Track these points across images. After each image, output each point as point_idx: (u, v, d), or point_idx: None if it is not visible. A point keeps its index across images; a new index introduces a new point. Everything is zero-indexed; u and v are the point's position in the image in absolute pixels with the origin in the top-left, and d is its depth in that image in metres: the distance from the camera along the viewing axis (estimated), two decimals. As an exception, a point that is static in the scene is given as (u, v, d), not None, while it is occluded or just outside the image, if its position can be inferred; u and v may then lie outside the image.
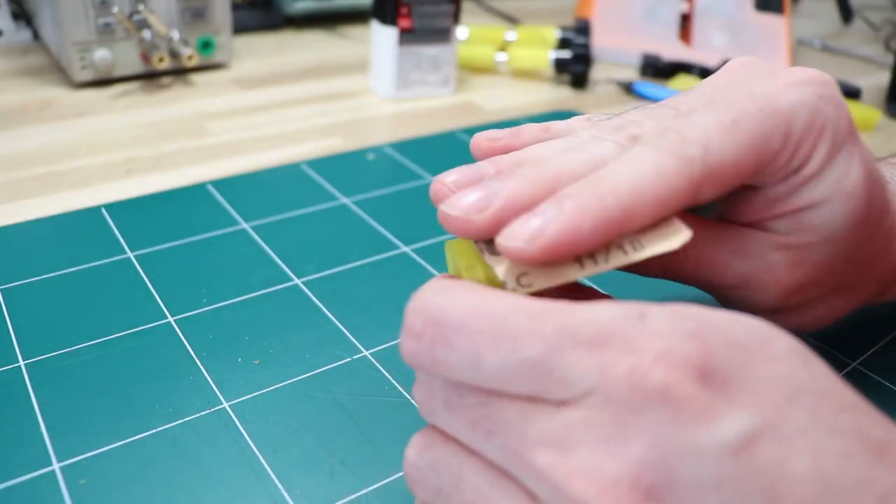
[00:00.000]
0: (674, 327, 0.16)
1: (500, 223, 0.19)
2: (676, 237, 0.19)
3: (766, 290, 0.24)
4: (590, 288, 0.23)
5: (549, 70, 0.62)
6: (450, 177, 0.21)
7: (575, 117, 0.24)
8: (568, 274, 0.19)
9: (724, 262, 0.24)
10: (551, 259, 0.19)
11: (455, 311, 0.18)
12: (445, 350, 0.18)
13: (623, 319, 0.16)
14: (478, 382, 0.18)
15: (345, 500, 0.23)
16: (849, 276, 0.25)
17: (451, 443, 0.19)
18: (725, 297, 0.25)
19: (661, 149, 0.20)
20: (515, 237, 0.18)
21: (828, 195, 0.22)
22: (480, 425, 0.18)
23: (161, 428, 0.25)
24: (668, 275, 0.25)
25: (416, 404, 0.20)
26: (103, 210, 0.38)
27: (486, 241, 0.20)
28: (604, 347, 0.16)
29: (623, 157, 0.20)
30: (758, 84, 0.22)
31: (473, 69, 0.63)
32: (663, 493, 0.15)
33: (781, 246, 0.23)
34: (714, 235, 0.24)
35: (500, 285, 0.20)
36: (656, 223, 0.20)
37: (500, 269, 0.19)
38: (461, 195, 0.20)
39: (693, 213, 0.25)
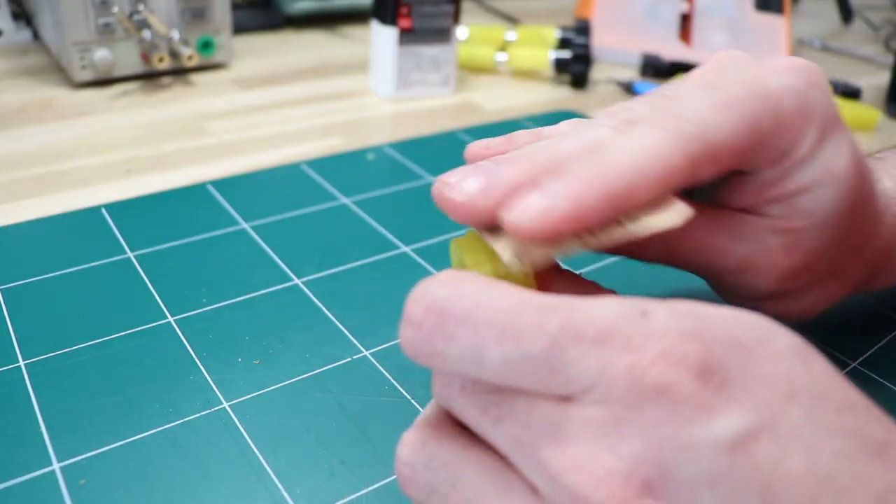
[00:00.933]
0: (674, 326, 0.16)
1: (503, 207, 0.19)
2: (677, 214, 0.20)
3: (764, 274, 0.24)
4: (593, 283, 0.23)
5: (549, 70, 0.62)
6: (452, 177, 0.21)
7: (565, 121, 0.24)
8: (566, 248, 0.19)
9: (723, 246, 0.24)
10: (557, 235, 0.19)
11: (458, 302, 0.17)
12: (445, 342, 0.17)
13: (625, 317, 0.17)
14: (479, 376, 0.18)
15: (345, 500, 0.23)
16: (841, 261, 0.26)
17: (447, 439, 0.19)
18: (724, 282, 0.26)
19: (660, 127, 0.20)
20: (520, 212, 0.19)
21: (818, 179, 0.23)
22: (489, 412, 0.18)
23: (161, 428, 0.25)
24: (668, 259, 0.25)
25: (433, 394, 0.20)
26: (103, 210, 0.38)
27: (488, 229, 0.20)
28: (605, 344, 0.16)
29: (622, 136, 0.20)
30: (747, 70, 0.23)
31: (473, 69, 0.63)
32: (659, 488, 0.15)
33: (777, 230, 0.24)
34: (712, 220, 0.24)
35: (507, 279, 0.20)
36: (655, 202, 0.20)
37: (499, 246, 0.20)
38: (464, 181, 0.20)
39: (690, 198, 0.25)
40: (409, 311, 0.18)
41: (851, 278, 0.27)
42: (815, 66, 0.23)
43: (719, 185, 0.25)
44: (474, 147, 0.23)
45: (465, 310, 0.17)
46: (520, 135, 0.24)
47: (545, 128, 0.24)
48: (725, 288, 0.26)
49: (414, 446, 0.20)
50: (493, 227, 0.20)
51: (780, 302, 0.26)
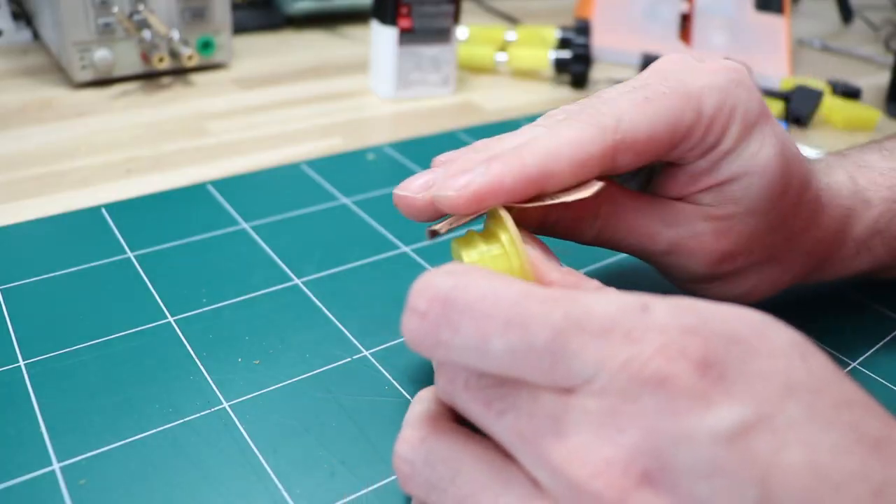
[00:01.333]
0: (674, 320, 0.17)
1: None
2: (589, 189, 0.23)
3: (695, 257, 0.27)
4: (593, 279, 0.23)
5: (549, 70, 0.62)
6: (405, 181, 0.24)
7: (526, 125, 0.26)
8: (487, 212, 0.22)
9: (654, 230, 0.26)
10: (477, 207, 0.22)
11: (463, 293, 0.18)
12: (450, 331, 0.18)
13: (626, 310, 0.17)
14: (482, 367, 0.18)
15: (345, 500, 0.23)
16: (777, 248, 0.28)
17: (445, 435, 0.19)
18: (659, 263, 0.28)
19: (579, 121, 0.23)
20: (447, 187, 0.22)
21: (744, 169, 0.25)
22: (493, 405, 0.18)
23: (161, 428, 0.25)
24: (603, 240, 0.27)
25: (437, 392, 0.20)
26: (103, 210, 0.38)
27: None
28: (606, 337, 0.16)
29: (550, 131, 0.23)
30: (677, 72, 0.25)
31: (473, 69, 0.63)
32: (657, 478, 0.16)
33: (707, 217, 0.26)
34: (645, 206, 0.26)
35: (506, 272, 0.21)
36: (576, 185, 0.23)
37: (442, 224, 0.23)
38: (411, 180, 0.24)
39: (641, 190, 0.28)
40: (414, 300, 0.18)
41: (795, 265, 0.29)
42: (741, 66, 0.25)
43: (657, 177, 0.27)
44: (438, 157, 0.26)
45: (471, 300, 0.18)
46: (482, 143, 0.26)
47: (494, 137, 0.26)
48: (663, 270, 0.29)
49: (412, 443, 0.20)
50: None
51: (721, 284, 0.28)
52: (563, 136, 0.23)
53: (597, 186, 0.23)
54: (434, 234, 0.23)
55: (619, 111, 0.23)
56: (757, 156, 0.25)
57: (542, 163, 0.22)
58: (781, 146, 0.25)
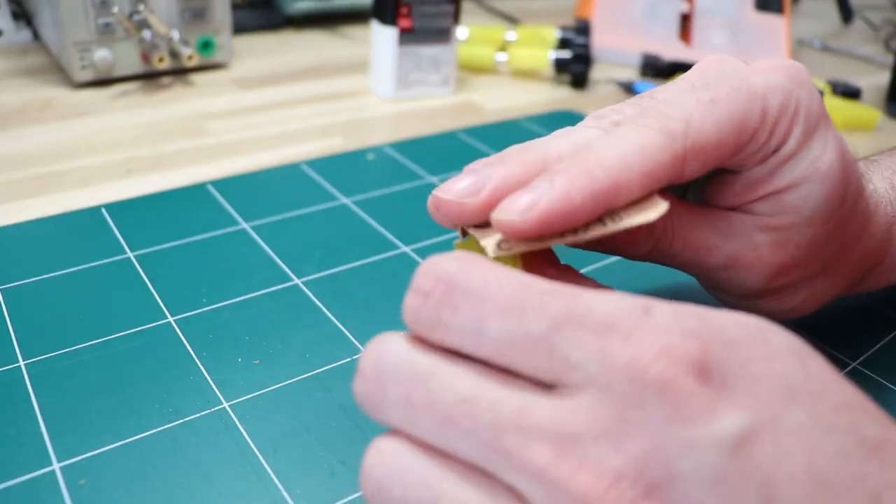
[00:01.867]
0: (676, 324, 0.16)
1: (493, 205, 0.20)
2: (654, 210, 0.20)
3: (752, 271, 0.25)
4: (592, 279, 0.23)
5: (549, 70, 0.62)
6: (445, 184, 0.21)
7: (558, 130, 0.24)
8: (547, 242, 0.20)
9: (710, 243, 0.25)
10: (544, 232, 0.19)
11: (467, 276, 0.18)
12: (450, 312, 0.17)
13: (627, 311, 0.17)
14: (476, 351, 0.17)
15: (345, 500, 0.23)
16: (830, 259, 0.26)
17: (426, 449, 0.18)
18: (714, 279, 0.26)
19: (645, 126, 0.21)
20: (510, 210, 0.19)
21: (805, 175, 0.23)
22: (460, 423, 0.17)
23: (161, 428, 0.25)
24: (657, 256, 0.25)
25: (356, 397, 0.18)
26: (103, 210, 0.38)
27: (478, 226, 0.21)
28: (607, 335, 0.16)
29: (609, 136, 0.21)
30: (733, 71, 0.23)
31: (473, 69, 0.63)
32: (663, 488, 0.15)
33: (765, 227, 0.24)
34: (701, 218, 0.25)
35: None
36: (639, 200, 0.21)
37: (486, 242, 0.20)
38: (454, 181, 0.21)
39: (680, 197, 0.26)
40: (419, 281, 0.18)
41: (843, 277, 0.27)
42: (801, 65, 0.24)
43: (709, 185, 0.26)
44: (471, 165, 0.24)
45: (473, 283, 0.18)
46: (513, 149, 0.24)
47: (537, 139, 0.24)
48: (716, 285, 0.27)
49: (384, 458, 0.18)
50: (483, 224, 0.21)
51: (771, 299, 0.26)
52: (628, 142, 0.20)
53: (662, 207, 0.20)
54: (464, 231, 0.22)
55: (686, 114, 0.21)
56: (818, 161, 0.23)
57: (613, 175, 0.20)
58: (841, 151, 0.24)
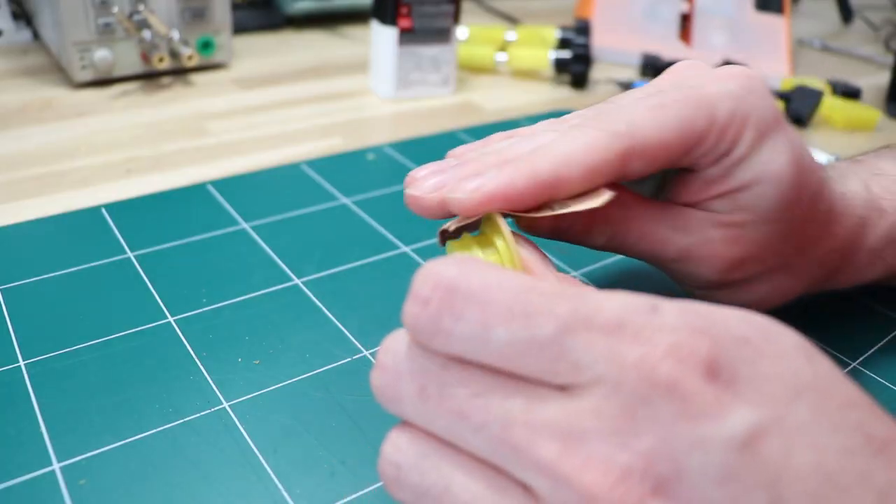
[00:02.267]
0: (684, 322, 0.16)
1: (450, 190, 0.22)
2: (599, 198, 0.22)
3: (706, 264, 0.26)
4: (590, 285, 0.23)
5: (549, 70, 0.62)
6: (419, 173, 0.24)
7: (540, 122, 0.26)
8: (496, 218, 0.22)
9: (665, 237, 0.26)
10: (486, 209, 0.22)
11: (468, 281, 0.17)
12: (452, 319, 0.17)
13: (635, 310, 0.17)
14: (482, 358, 0.17)
15: (345, 500, 0.23)
16: (789, 256, 0.27)
17: (439, 438, 0.18)
18: (669, 269, 0.28)
19: (592, 127, 0.23)
20: (458, 190, 0.22)
21: (757, 177, 0.25)
22: (471, 417, 0.17)
23: (161, 428, 0.25)
24: (615, 245, 0.27)
25: (373, 390, 0.19)
26: (103, 210, 0.38)
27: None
28: (615, 335, 0.16)
29: (563, 136, 0.23)
30: (691, 79, 0.25)
31: (473, 69, 0.63)
32: (671, 486, 0.15)
33: (719, 224, 0.26)
34: (656, 212, 0.26)
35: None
36: (586, 193, 0.23)
37: (449, 224, 0.23)
38: (424, 180, 0.23)
39: (654, 197, 0.28)
40: (417, 288, 0.18)
41: (806, 274, 0.28)
42: (755, 73, 0.25)
43: (670, 184, 0.27)
44: (454, 151, 0.26)
45: (475, 288, 0.17)
46: (496, 136, 0.26)
47: (520, 128, 0.26)
48: (673, 276, 0.28)
49: (401, 445, 0.19)
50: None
51: (729, 292, 0.28)
52: (576, 141, 0.23)
53: (606, 196, 0.22)
54: (444, 235, 0.23)
55: (631, 117, 0.23)
56: (769, 164, 0.25)
57: (555, 168, 0.22)
58: (795, 155, 0.25)
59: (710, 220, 0.26)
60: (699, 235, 0.26)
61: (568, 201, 0.23)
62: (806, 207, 0.26)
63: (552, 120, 0.25)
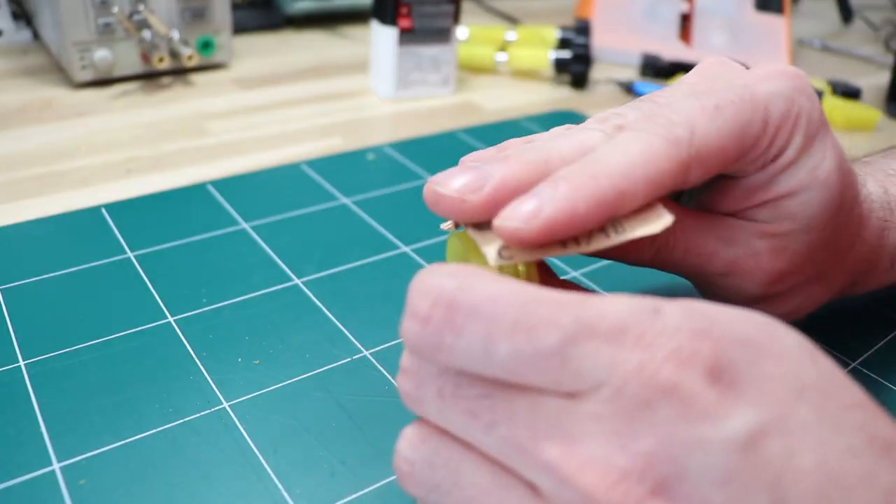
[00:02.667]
0: (686, 323, 0.16)
1: (494, 204, 0.20)
2: (659, 221, 0.20)
3: (751, 277, 0.25)
4: (586, 289, 0.23)
5: (549, 70, 0.62)
6: (443, 176, 0.21)
7: (556, 127, 0.24)
8: (550, 252, 0.19)
9: (711, 250, 0.25)
10: (547, 239, 0.19)
11: (467, 295, 0.17)
12: (454, 336, 0.17)
13: (637, 313, 0.17)
14: (485, 372, 0.17)
15: (345, 500, 0.23)
16: (826, 264, 0.26)
17: (448, 436, 0.19)
18: (713, 285, 0.26)
19: (649, 132, 0.21)
20: (513, 217, 0.19)
21: (804, 183, 0.23)
22: (481, 416, 0.18)
23: (161, 428, 0.25)
24: (658, 262, 0.25)
25: (400, 393, 0.20)
26: (103, 210, 0.38)
27: (476, 226, 0.21)
28: (617, 340, 0.16)
29: (612, 140, 0.21)
30: (735, 76, 0.23)
31: (473, 69, 0.63)
32: (672, 487, 0.15)
33: (764, 234, 0.24)
34: (701, 224, 0.25)
35: (509, 274, 0.20)
36: (641, 208, 0.20)
37: (488, 249, 0.20)
38: (454, 177, 0.20)
39: (674, 201, 0.26)
40: (415, 303, 0.18)
41: (837, 282, 0.27)
42: (801, 72, 0.24)
43: (708, 190, 0.25)
44: (467, 158, 0.24)
45: (476, 302, 0.17)
46: (512, 142, 0.24)
47: (537, 134, 0.24)
48: (713, 291, 0.27)
49: (414, 442, 0.19)
50: (481, 224, 0.20)
51: (767, 304, 0.26)
52: (632, 149, 0.20)
53: (667, 219, 0.20)
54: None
55: (690, 120, 0.21)
56: (817, 169, 0.23)
57: (618, 183, 0.19)
58: (839, 159, 0.24)
59: (754, 230, 0.24)
60: (744, 247, 0.24)
61: (623, 222, 0.20)
62: (846, 213, 0.25)
63: (589, 121, 0.23)
